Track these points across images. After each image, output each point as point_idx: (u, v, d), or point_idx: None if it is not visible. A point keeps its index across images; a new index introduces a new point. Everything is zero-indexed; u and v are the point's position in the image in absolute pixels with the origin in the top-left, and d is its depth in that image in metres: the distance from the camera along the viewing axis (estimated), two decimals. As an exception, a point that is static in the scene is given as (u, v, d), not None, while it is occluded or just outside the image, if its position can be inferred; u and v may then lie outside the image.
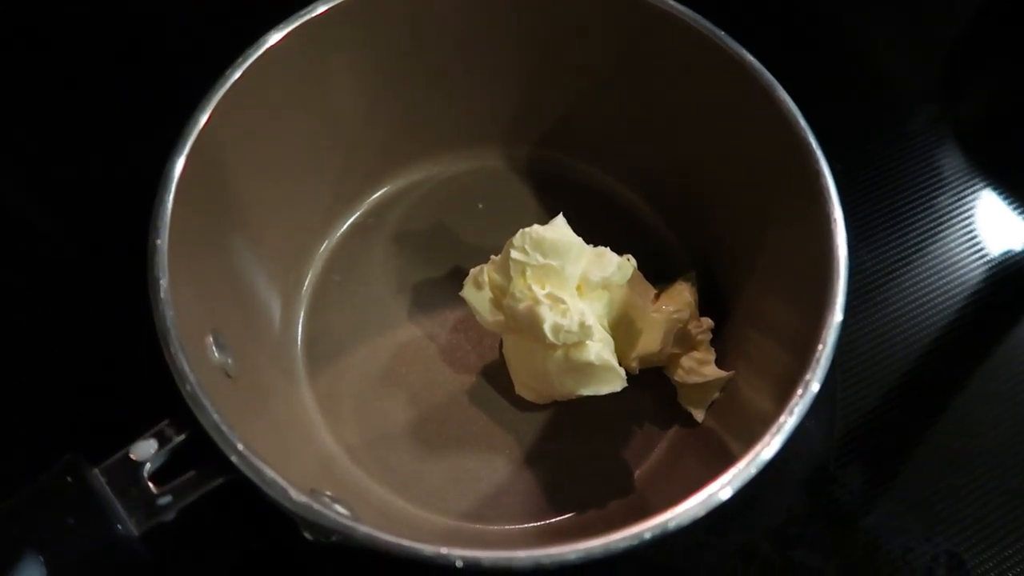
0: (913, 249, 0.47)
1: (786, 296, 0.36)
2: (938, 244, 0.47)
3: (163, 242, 0.31)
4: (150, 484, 0.28)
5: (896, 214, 0.48)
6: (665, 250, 0.44)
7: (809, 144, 0.34)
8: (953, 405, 0.43)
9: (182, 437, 0.29)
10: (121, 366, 0.41)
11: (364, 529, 0.27)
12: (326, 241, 0.44)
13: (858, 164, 0.49)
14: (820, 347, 0.31)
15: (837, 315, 0.31)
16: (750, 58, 0.36)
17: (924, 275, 0.46)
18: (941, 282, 0.46)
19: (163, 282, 0.30)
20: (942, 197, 0.49)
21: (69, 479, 0.27)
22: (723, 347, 0.40)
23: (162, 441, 0.29)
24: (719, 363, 0.39)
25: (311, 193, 0.42)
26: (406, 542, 0.27)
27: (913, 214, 0.48)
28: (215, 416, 0.28)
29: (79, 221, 0.46)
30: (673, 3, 0.38)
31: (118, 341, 0.41)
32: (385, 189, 0.45)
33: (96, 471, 0.28)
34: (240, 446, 0.28)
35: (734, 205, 0.40)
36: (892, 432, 0.42)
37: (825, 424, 0.42)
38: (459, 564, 0.27)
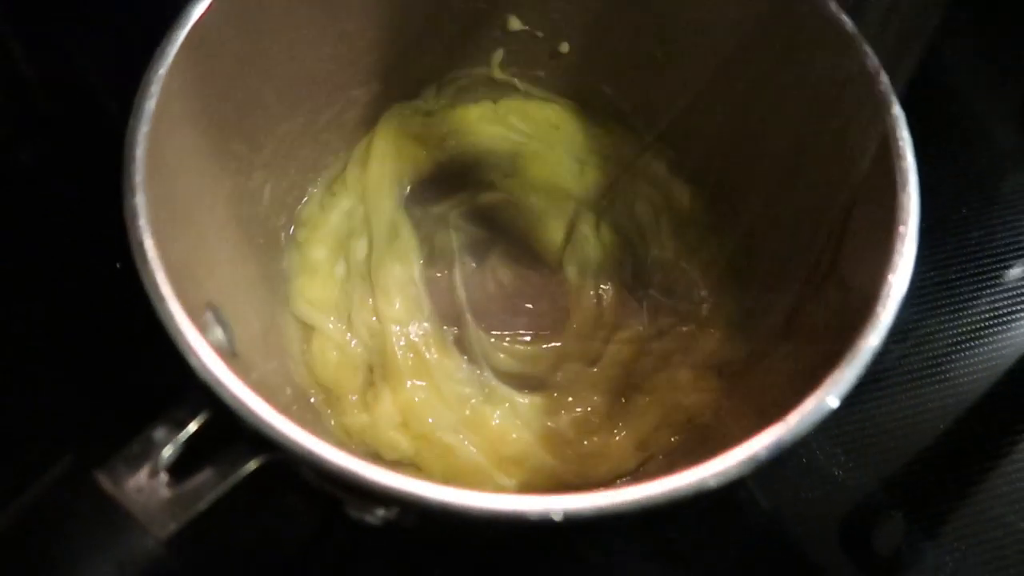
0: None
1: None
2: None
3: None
4: (167, 486, 0.25)
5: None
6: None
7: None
8: (994, 458, 0.40)
9: (196, 426, 0.26)
10: (131, 362, 0.37)
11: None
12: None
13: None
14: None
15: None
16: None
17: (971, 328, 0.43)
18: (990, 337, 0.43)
19: (148, 242, 0.26)
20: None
21: (83, 480, 0.24)
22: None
23: (175, 427, 0.25)
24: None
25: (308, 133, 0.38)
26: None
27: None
28: (234, 389, 0.24)
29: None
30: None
31: (127, 340, 0.37)
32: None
33: (112, 469, 0.25)
34: (266, 416, 0.24)
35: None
36: (932, 480, 0.39)
37: (860, 472, 0.39)
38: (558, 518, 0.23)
